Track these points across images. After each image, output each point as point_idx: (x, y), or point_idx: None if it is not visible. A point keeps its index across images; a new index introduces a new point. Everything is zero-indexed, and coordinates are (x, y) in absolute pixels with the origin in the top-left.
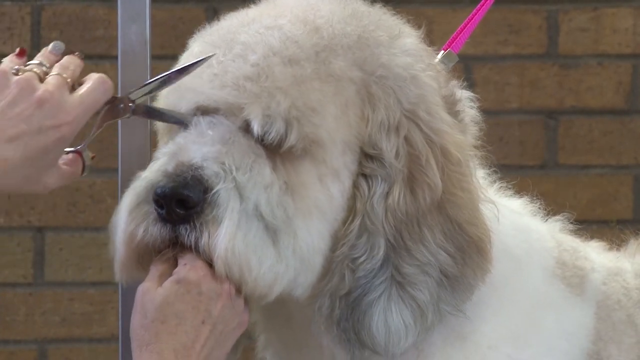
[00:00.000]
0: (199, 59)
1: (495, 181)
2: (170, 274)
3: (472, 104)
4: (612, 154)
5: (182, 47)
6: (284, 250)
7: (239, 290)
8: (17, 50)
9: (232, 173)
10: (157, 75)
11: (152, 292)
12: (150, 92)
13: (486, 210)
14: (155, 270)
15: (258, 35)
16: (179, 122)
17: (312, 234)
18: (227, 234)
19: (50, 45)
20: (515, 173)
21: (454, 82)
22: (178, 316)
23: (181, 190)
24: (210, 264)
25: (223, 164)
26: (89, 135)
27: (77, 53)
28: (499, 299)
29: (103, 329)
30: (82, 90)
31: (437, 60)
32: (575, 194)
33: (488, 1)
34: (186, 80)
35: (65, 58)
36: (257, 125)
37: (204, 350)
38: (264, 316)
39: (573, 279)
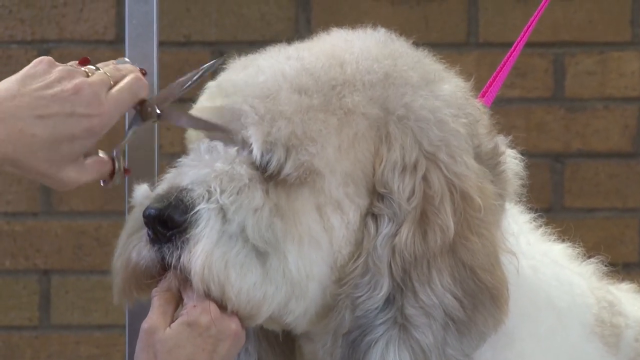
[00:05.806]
0: (213, 61)
1: (540, 226)
2: (174, 309)
3: (517, 159)
4: (618, 197)
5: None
6: (273, 273)
7: (244, 326)
8: (81, 58)
9: (216, 195)
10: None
11: (160, 332)
12: (176, 96)
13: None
14: (159, 305)
15: (274, 61)
16: (209, 127)
17: (303, 259)
18: (203, 252)
19: (116, 60)
20: None
21: (500, 137)
22: (189, 359)
23: (164, 211)
24: (220, 305)
25: (209, 186)
26: (123, 139)
27: (142, 69)
28: (543, 353)
29: None
30: (117, 86)
31: (480, 111)
32: (581, 237)
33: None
34: (205, 100)
35: (126, 66)
36: (258, 150)
37: None
38: None
39: (610, 338)
